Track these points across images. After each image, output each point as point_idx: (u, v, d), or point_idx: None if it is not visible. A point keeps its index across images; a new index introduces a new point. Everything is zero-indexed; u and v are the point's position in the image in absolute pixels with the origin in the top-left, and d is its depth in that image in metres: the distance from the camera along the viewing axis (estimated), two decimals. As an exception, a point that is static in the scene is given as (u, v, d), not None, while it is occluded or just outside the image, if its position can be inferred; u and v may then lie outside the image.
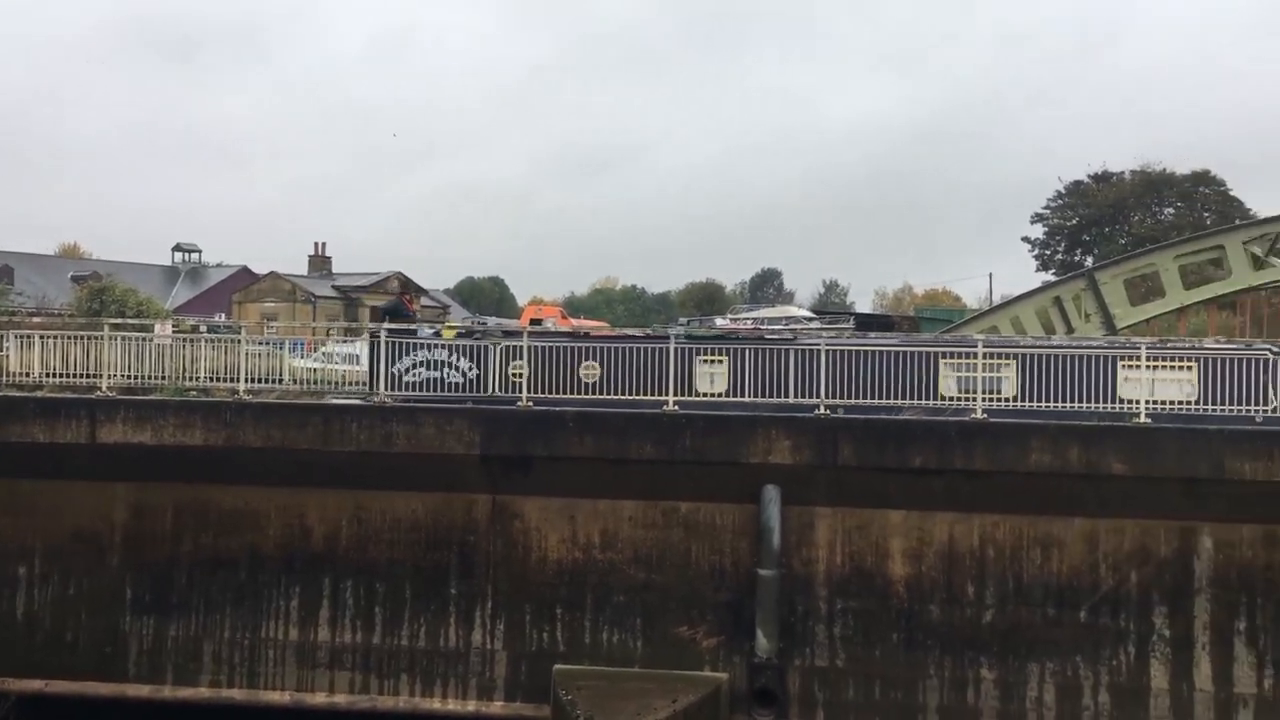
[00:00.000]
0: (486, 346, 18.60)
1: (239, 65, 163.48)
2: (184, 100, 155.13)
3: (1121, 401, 17.10)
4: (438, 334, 19.86)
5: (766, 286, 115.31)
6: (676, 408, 17.10)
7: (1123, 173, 72.53)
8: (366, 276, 77.25)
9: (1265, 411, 16.73)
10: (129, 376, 19.01)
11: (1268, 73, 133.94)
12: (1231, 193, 69.74)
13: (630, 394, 17.83)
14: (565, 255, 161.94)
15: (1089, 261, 62.50)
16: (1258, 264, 26.91)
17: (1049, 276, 63.51)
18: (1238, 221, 45.37)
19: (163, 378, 19.20)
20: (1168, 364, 17.44)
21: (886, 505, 16.65)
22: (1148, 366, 17.05)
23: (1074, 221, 72.25)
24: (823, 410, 16.83)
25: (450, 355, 18.75)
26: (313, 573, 17.63)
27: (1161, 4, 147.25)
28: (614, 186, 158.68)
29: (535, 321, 40.97)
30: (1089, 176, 73.89)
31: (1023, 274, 79.67)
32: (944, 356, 17.81)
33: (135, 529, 17.89)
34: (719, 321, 44.61)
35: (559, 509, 17.19)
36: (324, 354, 23.29)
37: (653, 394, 17.55)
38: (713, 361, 18.39)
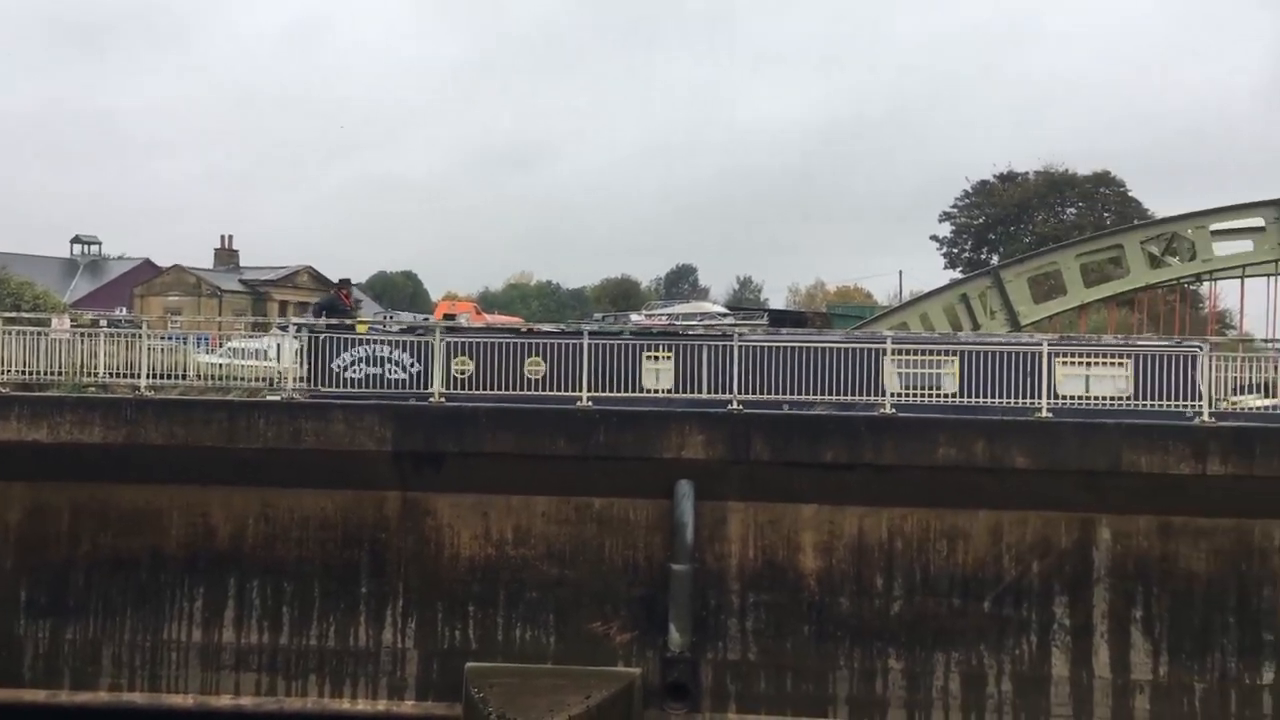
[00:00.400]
0: (430, 342, 18.23)
1: (148, 53, 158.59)
2: (89, 89, 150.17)
3: (1059, 397, 17.21)
4: (351, 329, 19.54)
5: (682, 283, 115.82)
6: (590, 403, 17.08)
7: (1027, 173, 74.15)
8: (275, 270, 75.76)
9: (1196, 406, 16.97)
10: (24, 372, 18.35)
11: (1166, 83, 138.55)
12: (1130, 194, 71.82)
13: (574, 390, 17.42)
14: (480, 250, 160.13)
15: (995, 260, 63.87)
16: (1154, 263, 27.80)
17: (957, 274, 64.70)
18: (1136, 222, 46.75)
19: (60, 373, 18.57)
20: (1103, 360, 17.85)
21: (798, 499, 16.83)
22: (1084, 363, 17.61)
23: (980, 220, 73.72)
24: (736, 406, 16.94)
25: (393, 351, 18.36)
26: (218, 573, 17.24)
27: (1070, 14, 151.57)
28: (530, 183, 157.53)
29: (449, 317, 40.63)
30: (995, 177, 75.41)
31: (932, 272, 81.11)
32: (889, 353, 17.80)
33: (30, 530, 17.33)
34: (634, 317, 44.77)
35: (472, 505, 17.07)
36: (231, 349, 22.77)
37: (599, 390, 17.36)
38: (659, 358, 18.27)
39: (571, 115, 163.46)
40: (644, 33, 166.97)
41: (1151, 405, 17.01)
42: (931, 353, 18.09)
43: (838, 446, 16.29)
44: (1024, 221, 71.34)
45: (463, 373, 17.79)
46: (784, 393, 17.46)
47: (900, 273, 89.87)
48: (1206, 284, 36.76)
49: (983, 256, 70.34)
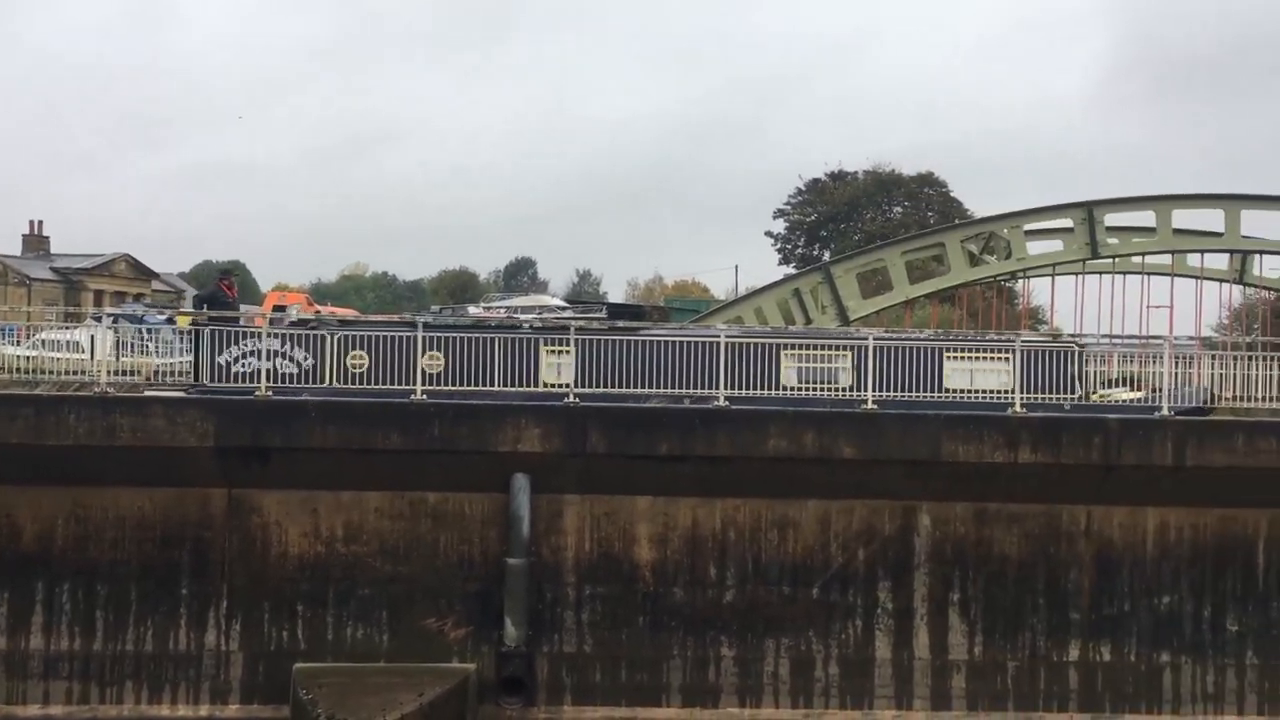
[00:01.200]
0: (323, 336, 17.67)
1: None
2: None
3: (948, 391, 17.91)
4: (171, 320, 18.72)
5: (521, 275, 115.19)
6: (425, 396, 16.82)
7: (856, 173, 76.77)
8: (90, 258, 71.80)
9: (1073, 399, 18.03)
10: None
11: (991, 90, 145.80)
12: (952, 194, 75.14)
13: (476, 385, 17.25)
14: (313, 240, 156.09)
15: (826, 256, 65.84)
16: (973, 260, 29.09)
17: (790, 270, 66.44)
18: (957, 221, 48.85)
19: None
20: (988, 355, 18.51)
21: (634, 491, 16.95)
22: (970, 357, 18.26)
23: (812, 217, 75.89)
24: (572, 399, 16.96)
25: (284, 345, 17.69)
26: (24, 576, 16.30)
27: (910, 23, 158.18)
28: (366, 171, 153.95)
29: (278, 309, 39.34)
30: (826, 175, 77.78)
31: (767, 267, 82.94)
32: (785, 349, 18.20)
33: None
34: (471, 310, 44.27)
35: (300, 502, 16.60)
36: (40, 341, 21.54)
37: (511, 385, 17.38)
38: (559, 352, 18.11)
39: (419, 104, 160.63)
40: (499, 23, 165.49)
41: (1034, 399, 17.62)
42: (827, 348, 18.46)
43: (672, 439, 16.45)
44: (854, 219, 73.71)
45: (357, 367, 17.43)
46: (622, 386, 17.59)
47: (736, 267, 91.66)
48: (1021, 281, 38.70)
49: (815, 252, 72.39)
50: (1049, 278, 31.40)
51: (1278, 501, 17.13)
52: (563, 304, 50.71)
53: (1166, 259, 31.03)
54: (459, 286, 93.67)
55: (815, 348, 18.53)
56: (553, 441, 16.35)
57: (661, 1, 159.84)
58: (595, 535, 17.03)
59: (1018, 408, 17.08)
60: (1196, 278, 32.32)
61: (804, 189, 77.51)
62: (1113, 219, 28.59)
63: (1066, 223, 28.29)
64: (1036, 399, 17.66)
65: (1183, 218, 29.03)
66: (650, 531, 17.06)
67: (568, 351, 17.86)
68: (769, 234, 78.47)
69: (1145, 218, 28.95)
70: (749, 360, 17.87)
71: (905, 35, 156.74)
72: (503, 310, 44.95)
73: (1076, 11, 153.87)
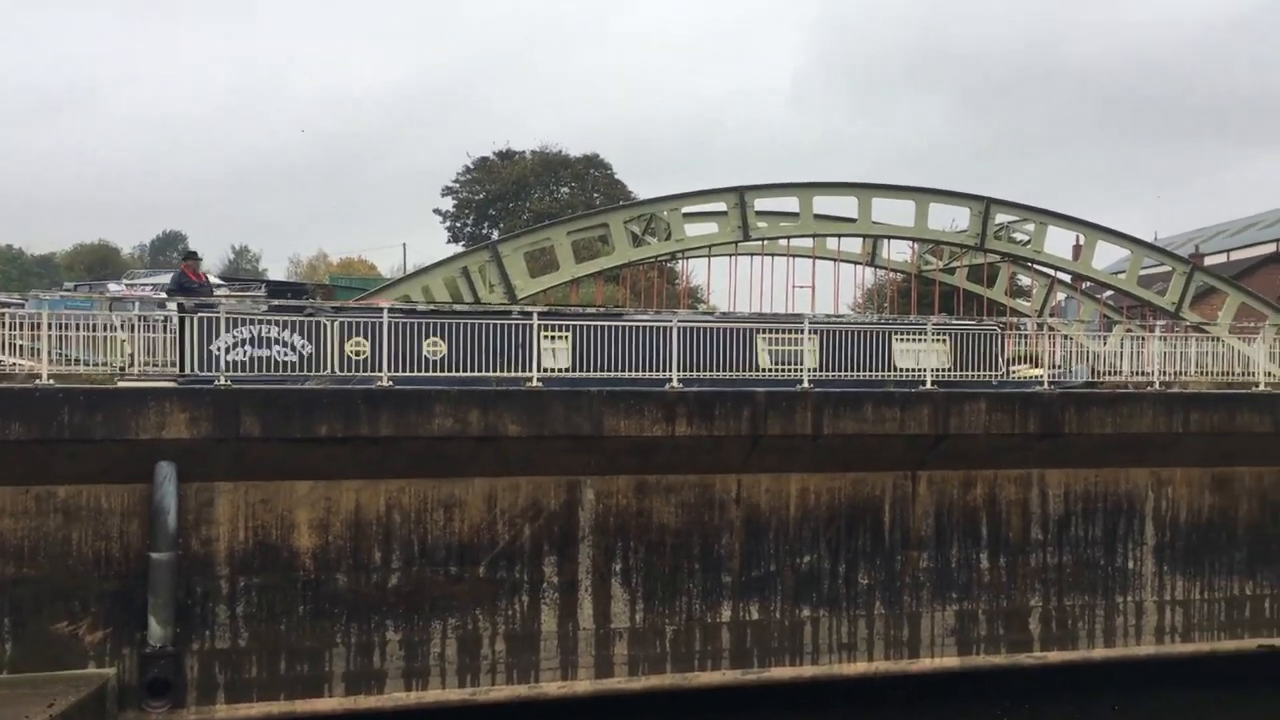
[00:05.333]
0: (322, 322, 16.98)
1: None
2: None
3: (897, 369, 19.51)
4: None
5: (170, 250, 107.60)
6: (52, 381, 15.32)
7: (524, 152, 77.26)
8: None
9: (999, 375, 20.22)
10: None
11: (674, 82, 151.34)
12: (617, 176, 77.20)
13: (480, 371, 17.34)
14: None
15: (495, 234, 65.85)
16: (636, 241, 29.83)
17: (460, 248, 65.97)
18: (621, 203, 50.21)
19: None
20: (929, 338, 19.88)
21: (293, 476, 16.27)
22: (915, 339, 19.90)
23: (481, 196, 75.67)
24: (224, 382, 15.98)
25: (281, 331, 16.91)
26: None
27: (620, 15, 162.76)
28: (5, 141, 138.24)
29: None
30: (494, 154, 77.75)
31: (437, 245, 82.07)
32: (760, 332, 19.32)
33: None
34: (112, 287, 40.80)
35: (-100, 502, 14.70)
36: None
37: (513, 370, 17.49)
38: (556, 337, 18.20)
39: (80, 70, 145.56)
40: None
41: (966, 375, 19.88)
42: (792, 331, 19.47)
43: (333, 420, 15.87)
44: (522, 198, 74.12)
45: (358, 354, 17.20)
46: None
47: (405, 245, 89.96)
48: (680, 261, 40.31)
49: (484, 231, 72.24)
50: (706, 258, 32.90)
51: (899, 464, 18.85)
52: (218, 281, 47.77)
53: (810, 242, 33.33)
54: (98, 261, 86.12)
55: (784, 332, 19.53)
56: (201, 426, 15.35)
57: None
58: (250, 523, 16.20)
59: (675, 383, 17.77)
60: (835, 260, 34.96)
61: (472, 167, 77.14)
62: (762, 204, 30.17)
63: (720, 206, 29.59)
64: (968, 376, 19.94)
65: (824, 204, 31.23)
66: (310, 517, 16.44)
67: (565, 336, 18.32)
68: (438, 211, 77.59)
69: (791, 203, 30.84)
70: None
71: (629, 28, 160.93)
72: (148, 288, 41.82)
73: (777, 12, 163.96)
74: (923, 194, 29.62)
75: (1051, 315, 33.89)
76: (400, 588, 16.82)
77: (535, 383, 17.28)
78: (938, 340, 20.32)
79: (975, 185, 28.68)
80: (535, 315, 17.85)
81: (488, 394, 16.67)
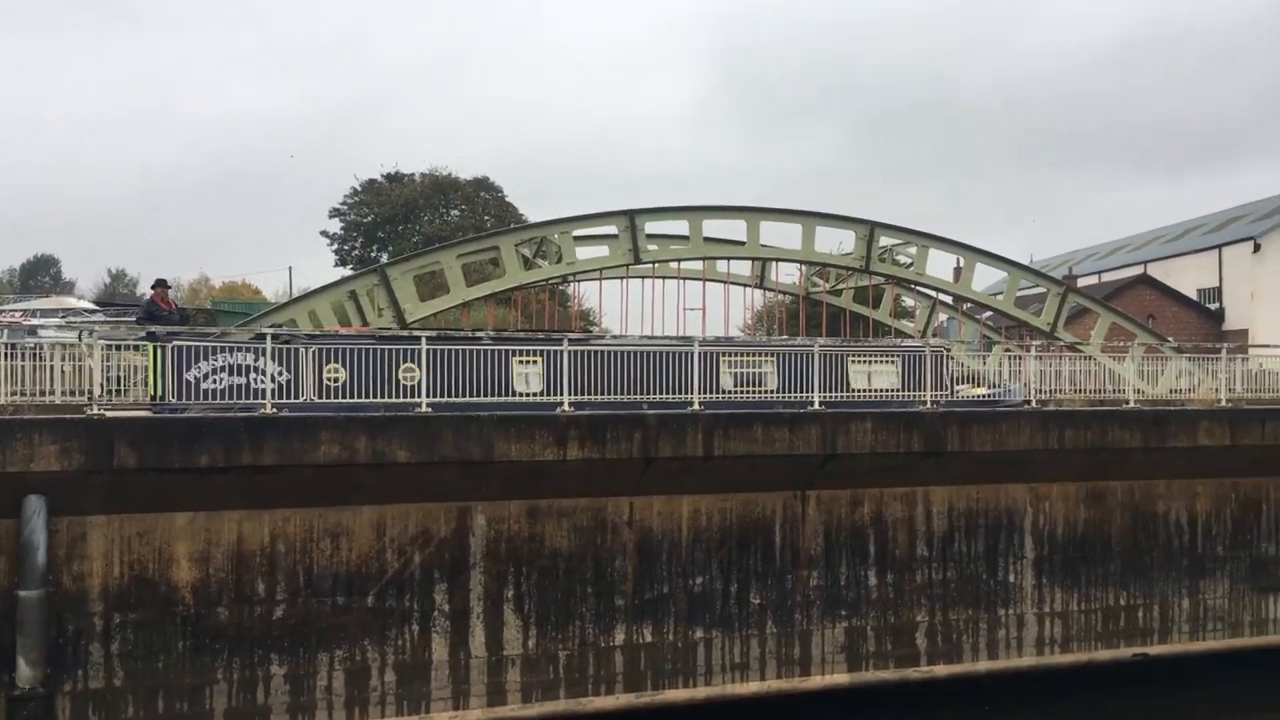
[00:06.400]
0: (298, 349, 16.88)
1: None
2: None
3: (851, 390, 20.35)
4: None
5: (41, 275, 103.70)
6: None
7: (414, 174, 76.46)
8: None
9: (946, 395, 21.13)
10: None
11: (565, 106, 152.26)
12: (508, 199, 76.95)
13: (459, 396, 17.60)
14: None
15: (385, 258, 65.03)
16: (527, 264, 29.75)
17: (348, 271, 64.91)
18: (512, 225, 50.03)
19: None
20: (880, 360, 20.97)
21: (172, 508, 15.76)
22: (867, 361, 20.91)
23: (369, 219, 74.58)
24: (97, 411, 15.41)
25: (258, 359, 16.82)
26: None
27: (512, 43, 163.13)
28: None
29: None
30: (383, 176, 76.80)
31: (324, 269, 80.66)
32: (723, 356, 19.86)
33: None
34: (-21, 312, 39.15)
35: None
36: None
37: (490, 395, 17.89)
38: (528, 362, 18.43)
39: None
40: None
41: (912, 395, 20.74)
42: (755, 353, 20.42)
43: (214, 449, 15.42)
44: (411, 221, 73.33)
45: (335, 380, 17.16)
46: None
47: (290, 269, 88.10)
48: (572, 284, 40.33)
49: (373, 254, 71.23)
50: (597, 281, 32.97)
51: (788, 484, 19.10)
52: (91, 306, 46.23)
53: (700, 265, 33.66)
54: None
55: (744, 355, 20.25)
56: (73, 458, 14.76)
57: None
58: (126, 558, 15.63)
59: (566, 406, 17.73)
60: (724, 282, 35.35)
61: (360, 189, 76.05)
62: (653, 227, 30.38)
63: (611, 229, 29.72)
64: (917, 396, 20.75)
65: (714, 227, 31.57)
66: (190, 549, 15.94)
67: (536, 361, 18.65)
68: (325, 234, 76.21)
69: (681, 226, 31.12)
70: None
71: (519, 56, 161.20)
72: (18, 313, 40.29)
73: (679, 37, 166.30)
74: (809, 217, 30.17)
75: (934, 336, 34.80)
76: (285, 620, 16.39)
77: (424, 408, 17.06)
78: (889, 362, 21.10)
79: (866, 211, 29.45)
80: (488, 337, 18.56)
81: (376, 420, 16.40)
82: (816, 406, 19.30)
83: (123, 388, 16.92)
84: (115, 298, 79.10)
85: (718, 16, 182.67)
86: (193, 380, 16.72)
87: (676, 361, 19.22)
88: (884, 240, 30.95)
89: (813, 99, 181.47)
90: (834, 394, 20.15)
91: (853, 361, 20.92)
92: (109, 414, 15.46)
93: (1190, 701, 21.02)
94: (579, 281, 37.36)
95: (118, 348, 16.89)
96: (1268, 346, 38.25)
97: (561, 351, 18.29)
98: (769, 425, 18.33)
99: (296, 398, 16.88)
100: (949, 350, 22.53)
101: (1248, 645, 22.37)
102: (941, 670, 20.19)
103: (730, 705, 18.79)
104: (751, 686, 18.97)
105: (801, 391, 19.97)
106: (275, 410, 16.34)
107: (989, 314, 37.62)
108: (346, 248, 75.19)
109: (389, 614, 16.90)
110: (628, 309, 33.72)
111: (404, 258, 30.35)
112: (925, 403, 20.55)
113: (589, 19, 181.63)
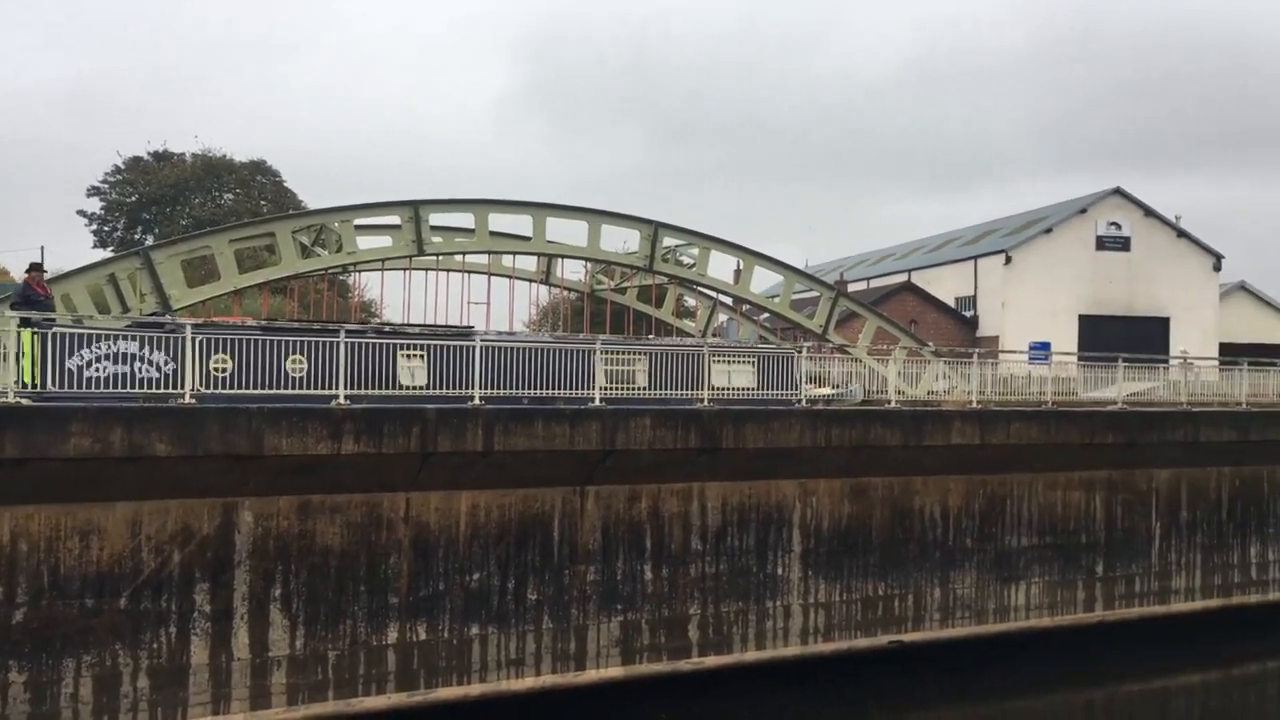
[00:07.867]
0: (183, 338, 16.34)
1: None
2: None
3: (713, 388, 20.98)
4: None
5: None
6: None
7: (184, 154, 72.57)
8: None
9: (799, 396, 22.13)
10: None
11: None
12: (286, 184, 74.04)
13: (331, 388, 17.30)
14: None
15: (150, 240, 61.55)
16: (305, 252, 28.73)
17: (109, 253, 61.06)
18: (290, 211, 48.28)
19: None
20: (739, 360, 22.13)
21: (-106, 504, 14.41)
22: (727, 361, 22.00)
23: (134, 199, 70.30)
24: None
25: (142, 348, 16.51)
26: None
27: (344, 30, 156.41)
28: None
29: None
30: (149, 154, 72.61)
31: (81, 250, 75.47)
32: (598, 353, 19.96)
33: None
34: None
35: None
36: None
37: (371, 388, 17.82)
38: (413, 356, 18.64)
39: None
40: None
41: (772, 395, 21.78)
42: (629, 353, 20.96)
43: (-54, 441, 14.20)
44: (181, 203, 69.63)
45: (221, 370, 16.94)
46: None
47: (42, 248, 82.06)
48: (353, 274, 39.28)
49: (138, 237, 67.30)
50: (379, 272, 32.21)
51: (568, 480, 19.18)
52: None
53: (486, 259, 33.39)
54: None
55: (606, 352, 20.27)
56: None
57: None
58: None
59: (342, 400, 17.23)
60: (510, 277, 35.20)
61: (123, 167, 71.62)
62: (438, 219, 29.88)
63: (395, 220, 29.03)
64: (773, 395, 21.91)
65: (501, 222, 31.36)
66: (-84, 550, 14.61)
67: (421, 356, 18.77)
68: (83, 213, 71.39)
69: (467, 219, 30.75)
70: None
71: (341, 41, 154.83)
72: None
73: (484, 37, 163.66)
74: (595, 215, 30.38)
75: (714, 335, 35.72)
76: (27, 624, 15.26)
77: (188, 399, 16.23)
78: (746, 362, 22.00)
79: (662, 215, 29.63)
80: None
81: (134, 411, 15.48)
82: (597, 403, 19.45)
83: None
84: None
85: (521, 21, 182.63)
86: (75, 368, 16.11)
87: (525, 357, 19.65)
88: (668, 241, 31.53)
89: (616, 107, 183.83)
90: (695, 391, 20.86)
91: (714, 361, 21.68)
92: None
93: (942, 686, 22.36)
94: (360, 272, 36.53)
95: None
96: (1015, 352, 41.22)
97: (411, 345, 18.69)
98: (550, 421, 18.34)
99: (180, 387, 16.38)
100: (801, 352, 23.55)
101: (992, 631, 23.98)
102: (712, 661, 20.74)
103: (505, 702, 18.71)
104: (526, 682, 18.95)
105: (670, 388, 20.82)
106: (16, 400, 15.19)
107: (766, 315, 38.91)
108: (107, 229, 70.71)
109: (143, 616, 15.98)
110: (410, 301, 33.16)
111: (171, 240, 28.81)
112: (798, 400, 21.88)
113: (391, 11, 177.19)
